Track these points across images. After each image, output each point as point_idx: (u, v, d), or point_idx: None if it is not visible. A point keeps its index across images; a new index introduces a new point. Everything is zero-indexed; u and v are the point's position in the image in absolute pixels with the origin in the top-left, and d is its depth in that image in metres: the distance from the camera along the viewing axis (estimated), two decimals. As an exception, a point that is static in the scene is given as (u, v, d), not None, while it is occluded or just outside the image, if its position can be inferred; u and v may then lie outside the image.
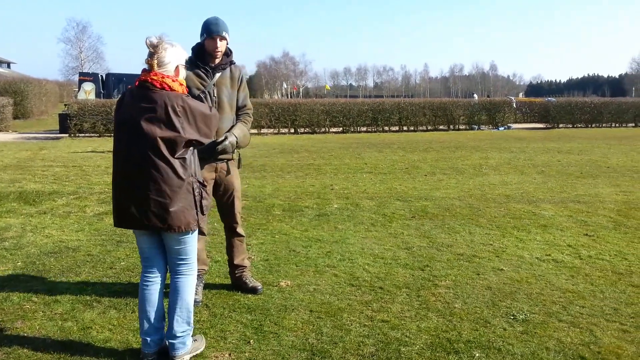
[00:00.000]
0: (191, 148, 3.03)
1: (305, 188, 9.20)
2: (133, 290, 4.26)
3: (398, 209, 7.43)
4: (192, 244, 3.16)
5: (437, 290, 4.35)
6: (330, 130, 25.04)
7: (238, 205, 4.22)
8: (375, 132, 25.36)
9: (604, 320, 3.77)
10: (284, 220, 6.79)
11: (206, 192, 3.16)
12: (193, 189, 3.02)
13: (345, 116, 25.11)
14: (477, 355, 3.24)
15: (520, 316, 3.82)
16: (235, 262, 4.30)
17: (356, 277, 4.65)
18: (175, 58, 3.02)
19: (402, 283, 4.50)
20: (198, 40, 3.94)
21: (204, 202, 3.11)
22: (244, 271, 4.32)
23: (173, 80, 2.96)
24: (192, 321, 3.18)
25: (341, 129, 25.21)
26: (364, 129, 25.71)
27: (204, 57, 3.89)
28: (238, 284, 4.31)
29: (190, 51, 3.87)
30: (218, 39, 3.81)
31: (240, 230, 4.30)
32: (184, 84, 3.08)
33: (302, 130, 24.63)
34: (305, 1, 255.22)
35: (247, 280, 4.28)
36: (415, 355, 3.23)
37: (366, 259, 5.18)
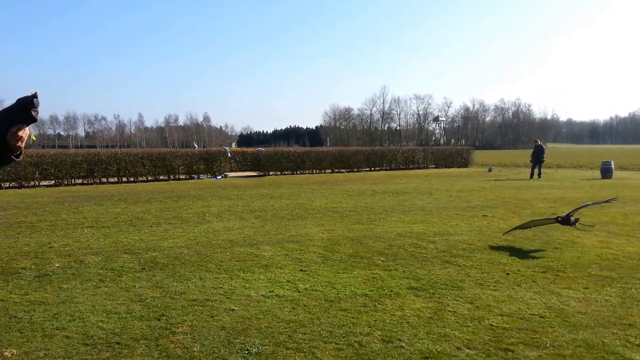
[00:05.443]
0: None
1: (19, 248, 8.36)
2: None
3: (127, 262, 7.33)
4: None
5: (175, 337, 4.50)
6: (41, 183, 22.93)
7: None
8: (92, 184, 24.05)
9: (322, 343, 4.41)
10: (-4, 285, 6.13)
11: None
12: None
13: (57, 168, 23.28)
14: (219, 390, 3.51)
15: (254, 349, 4.23)
16: None
17: (90, 335, 4.52)
18: None
19: (140, 335, 4.54)
20: None
21: None
22: None
23: None
24: None
25: (53, 182, 23.29)
26: (79, 181, 24.19)
27: None
28: None
29: None
30: None
31: None
32: None
33: (6, 184, 22.01)
34: None
35: None
36: (162, 401, 3.35)
37: (99, 316, 5.04)
